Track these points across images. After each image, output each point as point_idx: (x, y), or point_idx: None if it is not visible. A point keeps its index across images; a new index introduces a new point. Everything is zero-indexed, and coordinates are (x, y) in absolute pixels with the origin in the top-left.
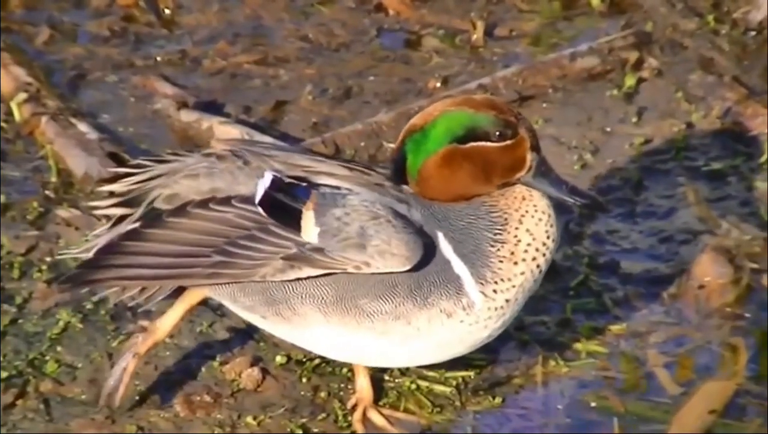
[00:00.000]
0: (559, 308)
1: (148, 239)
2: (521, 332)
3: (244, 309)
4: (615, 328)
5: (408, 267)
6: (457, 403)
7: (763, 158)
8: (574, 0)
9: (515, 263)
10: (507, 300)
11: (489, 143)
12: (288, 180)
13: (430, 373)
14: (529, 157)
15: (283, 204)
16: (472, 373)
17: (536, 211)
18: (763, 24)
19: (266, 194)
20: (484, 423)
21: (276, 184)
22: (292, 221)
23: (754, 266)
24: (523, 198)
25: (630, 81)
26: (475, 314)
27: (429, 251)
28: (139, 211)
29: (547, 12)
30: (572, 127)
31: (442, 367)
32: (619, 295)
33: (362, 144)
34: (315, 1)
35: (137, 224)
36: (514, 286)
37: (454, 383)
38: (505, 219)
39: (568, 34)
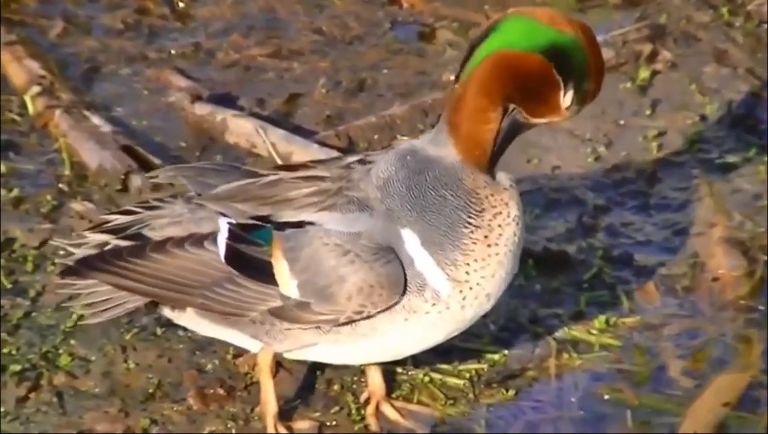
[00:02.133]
0: (573, 301)
1: (133, 265)
2: (535, 325)
3: None
4: (628, 321)
5: (399, 296)
6: (471, 396)
7: None
8: None
9: (488, 245)
10: (482, 278)
11: (561, 85)
12: (248, 222)
13: (444, 366)
14: (544, 119)
15: (249, 257)
16: (485, 366)
17: (506, 229)
18: None
19: (229, 248)
20: (497, 415)
21: (234, 234)
22: (265, 274)
23: None
24: (503, 201)
25: (644, 73)
26: (444, 302)
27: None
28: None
29: (562, 4)
30: (586, 119)
31: (455, 360)
32: (633, 288)
33: (376, 137)
34: None
35: (122, 243)
36: (489, 264)
37: (468, 376)
38: (483, 208)
39: None
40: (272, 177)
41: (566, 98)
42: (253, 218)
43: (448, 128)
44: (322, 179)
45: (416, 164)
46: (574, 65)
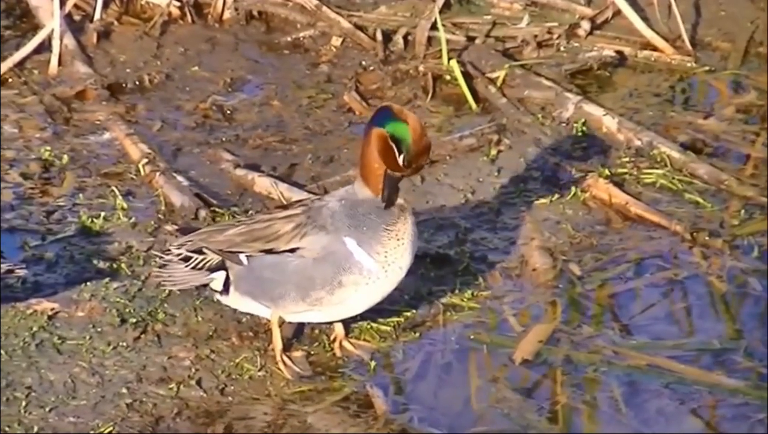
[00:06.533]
0: (452, 282)
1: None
2: (430, 296)
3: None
4: (484, 294)
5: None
6: (394, 336)
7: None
8: (461, 105)
9: (397, 239)
10: (395, 258)
11: (397, 151)
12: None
13: (378, 318)
14: (399, 174)
15: None
16: (402, 319)
17: (405, 229)
18: (570, 119)
19: None
20: (409, 348)
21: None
22: None
23: (564, 258)
24: (402, 215)
25: (493, 152)
26: (375, 275)
27: (341, 252)
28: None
29: (446, 112)
30: (459, 178)
31: (385, 315)
32: (487, 275)
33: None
34: (314, 106)
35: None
36: (397, 250)
37: (392, 325)
38: (394, 221)
39: (458, 124)
40: (266, 222)
41: (400, 159)
42: (262, 250)
43: (362, 180)
44: (296, 217)
45: (348, 201)
46: (403, 139)
